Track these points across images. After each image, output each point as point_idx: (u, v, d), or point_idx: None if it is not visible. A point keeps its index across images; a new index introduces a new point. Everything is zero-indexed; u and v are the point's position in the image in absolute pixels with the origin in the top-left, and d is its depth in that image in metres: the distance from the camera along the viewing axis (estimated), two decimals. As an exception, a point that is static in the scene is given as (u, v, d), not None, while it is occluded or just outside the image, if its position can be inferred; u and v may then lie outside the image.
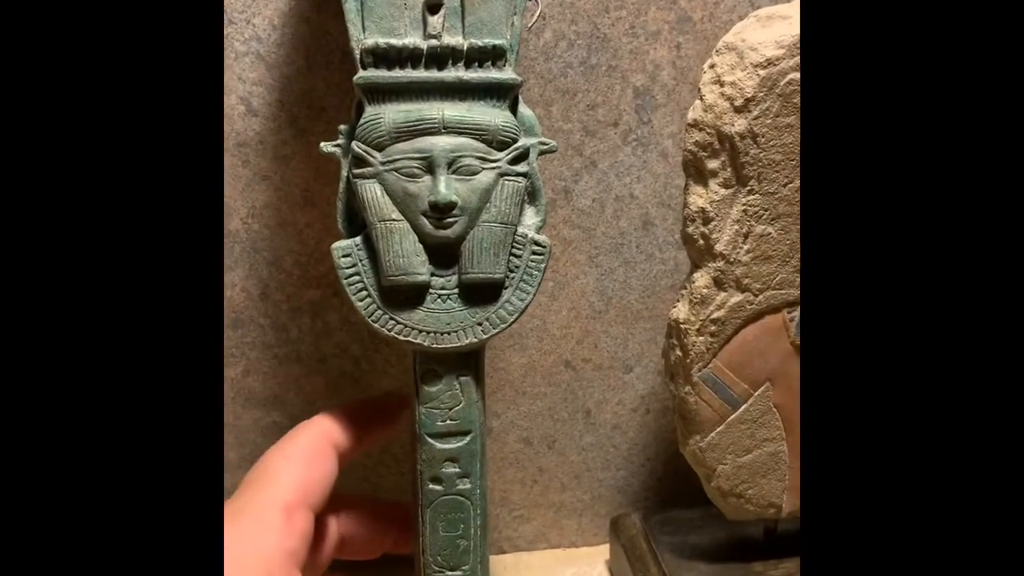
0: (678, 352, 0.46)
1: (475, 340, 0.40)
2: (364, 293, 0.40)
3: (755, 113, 0.41)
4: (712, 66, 0.42)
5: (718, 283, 0.44)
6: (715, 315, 0.44)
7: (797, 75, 0.41)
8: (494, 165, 0.39)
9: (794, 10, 0.42)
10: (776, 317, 0.45)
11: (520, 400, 0.57)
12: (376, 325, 0.40)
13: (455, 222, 0.39)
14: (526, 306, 0.41)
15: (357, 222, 0.40)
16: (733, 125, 0.42)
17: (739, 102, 0.41)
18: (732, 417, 0.46)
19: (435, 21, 0.38)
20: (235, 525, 0.36)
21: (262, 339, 0.53)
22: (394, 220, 0.39)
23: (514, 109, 0.40)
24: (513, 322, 0.41)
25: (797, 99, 0.41)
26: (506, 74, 0.39)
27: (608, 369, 0.57)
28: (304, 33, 0.47)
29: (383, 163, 0.38)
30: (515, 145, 0.39)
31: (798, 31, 0.41)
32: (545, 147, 0.41)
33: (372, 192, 0.38)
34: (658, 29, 0.50)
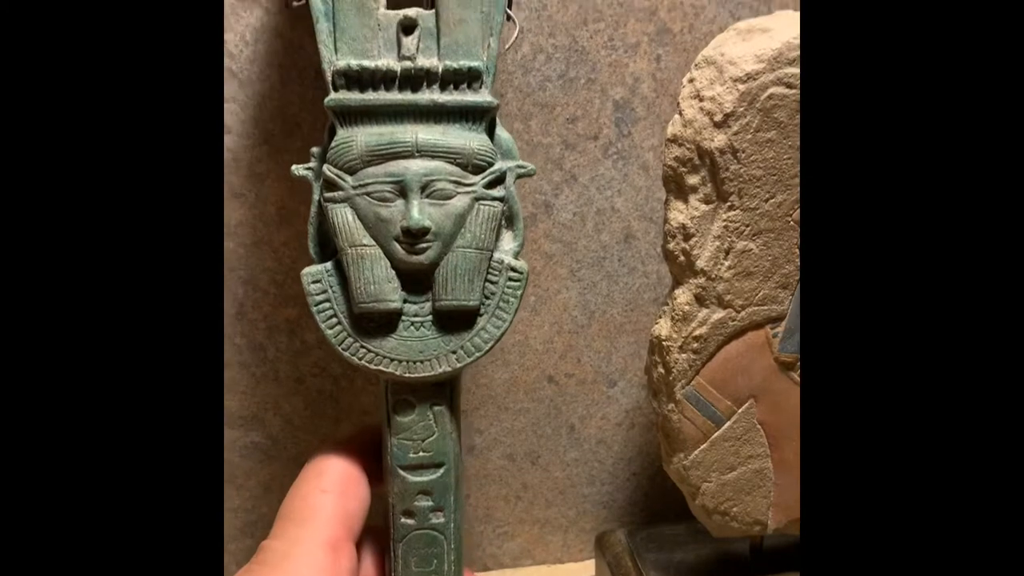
0: (660, 369, 0.45)
1: (449, 369, 0.39)
2: (334, 320, 0.38)
3: (735, 128, 0.41)
4: (691, 80, 0.42)
5: (700, 300, 0.43)
6: (697, 332, 0.43)
7: (777, 89, 0.40)
8: (469, 189, 0.38)
9: (775, 23, 0.41)
10: (759, 333, 0.44)
11: (503, 416, 0.56)
12: (346, 353, 0.38)
13: (428, 247, 0.37)
14: (502, 334, 0.40)
15: (329, 247, 0.39)
16: (713, 140, 0.41)
17: (719, 117, 0.41)
18: (716, 434, 0.45)
19: (409, 42, 0.37)
20: (284, 569, 0.35)
21: (238, 358, 0.52)
22: (365, 246, 0.37)
23: (491, 132, 0.39)
24: (488, 350, 0.39)
25: (777, 114, 0.41)
26: (482, 96, 0.38)
27: (592, 383, 0.56)
28: (278, 48, 0.46)
29: (355, 187, 0.37)
30: (491, 169, 0.38)
31: (778, 44, 0.40)
32: (523, 171, 0.40)
33: (343, 217, 0.37)
34: (637, 41, 0.49)
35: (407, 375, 0.39)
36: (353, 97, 0.37)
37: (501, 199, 0.39)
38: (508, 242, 0.40)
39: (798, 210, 0.42)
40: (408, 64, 0.37)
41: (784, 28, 0.41)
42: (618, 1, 0.48)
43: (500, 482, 0.58)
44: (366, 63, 0.37)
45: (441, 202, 0.37)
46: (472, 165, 0.38)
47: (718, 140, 0.41)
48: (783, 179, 0.42)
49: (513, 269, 0.39)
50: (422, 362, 0.39)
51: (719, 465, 0.46)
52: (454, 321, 0.39)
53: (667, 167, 0.43)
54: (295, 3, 0.38)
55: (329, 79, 0.37)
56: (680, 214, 0.43)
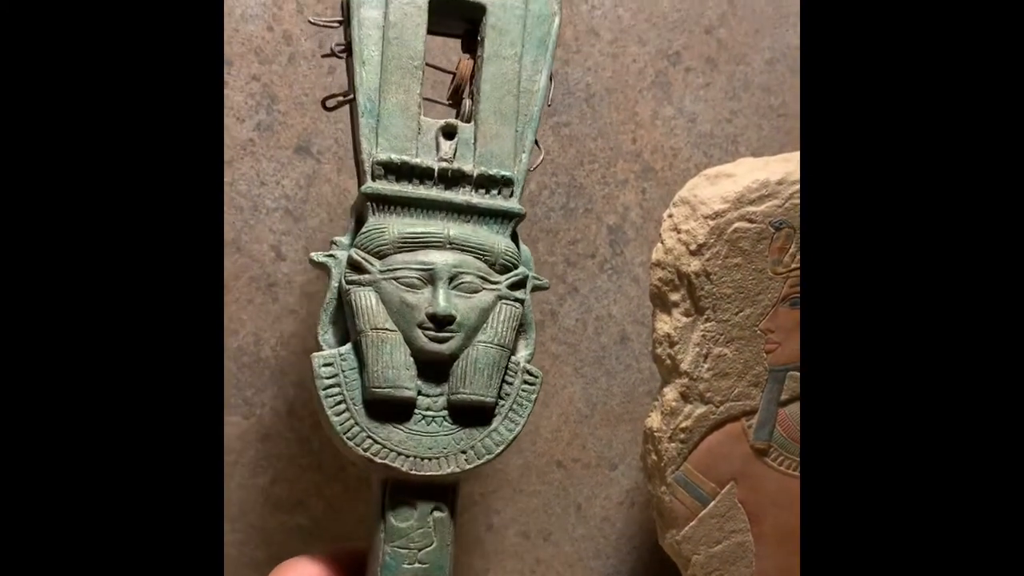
0: (653, 457, 0.52)
1: (457, 470, 0.37)
2: (342, 407, 0.37)
3: (707, 256, 0.48)
4: (670, 216, 0.50)
5: (685, 397, 0.50)
6: (683, 424, 0.50)
7: (741, 224, 0.48)
8: (494, 287, 0.38)
9: (737, 169, 0.50)
10: (736, 425, 0.51)
11: (518, 497, 0.62)
12: (351, 443, 0.36)
13: (451, 337, 0.37)
14: (514, 438, 0.38)
15: (340, 334, 0.38)
16: (689, 265, 0.49)
17: (693, 247, 0.48)
18: (703, 513, 0.51)
19: (448, 147, 0.39)
20: None
21: (288, 451, 0.59)
22: (387, 330, 0.37)
23: (515, 241, 0.40)
24: (500, 453, 0.38)
25: (742, 244, 0.48)
26: (512, 203, 0.40)
27: (595, 467, 0.63)
28: (327, 192, 0.54)
29: (382, 271, 0.37)
30: (516, 271, 0.39)
31: (740, 188, 0.48)
32: (538, 283, 0.41)
33: (367, 300, 0.37)
34: (626, 178, 0.58)
35: (413, 472, 0.36)
36: (391, 187, 0.38)
37: (522, 301, 0.39)
38: (521, 349, 0.40)
39: (764, 320, 0.50)
40: (446, 164, 0.39)
41: (745, 174, 0.49)
42: (609, 146, 0.57)
43: (516, 557, 0.64)
44: (407, 158, 0.38)
45: (467, 295, 0.38)
46: (499, 264, 0.39)
47: (694, 265, 0.49)
48: (749, 296, 0.49)
49: (529, 372, 0.39)
50: (430, 459, 0.37)
51: (706, 539, 0.52)
52: (468, 417, 0.38)
53: (652, 286, 0.50)
54: (342, 99, 0.40)
55: (368, 169, 0.38)
56: (665, 325, 0.50)
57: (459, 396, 0.37)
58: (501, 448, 0.38)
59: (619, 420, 0.62)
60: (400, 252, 0.37)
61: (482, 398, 0.37)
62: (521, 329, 0.40)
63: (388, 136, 0.38)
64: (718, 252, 0.48)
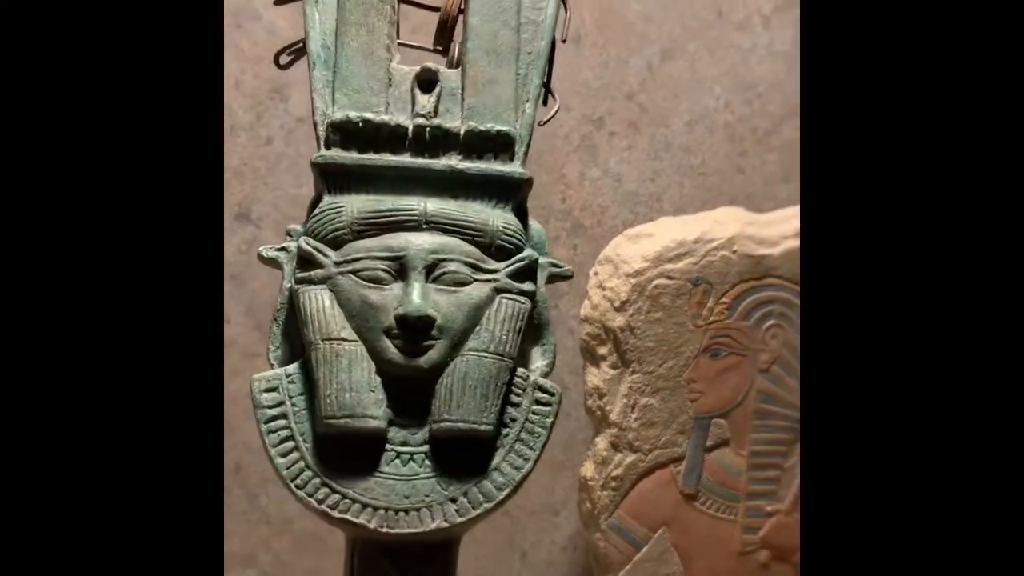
0: (588, 504, 0.53)
1: (445, 524, 0.28)
2: (290, 445, 0.28)
3: (630, 311, 0.50)
4: (596, 274, 0.52)
5: (615, 446, 0.52)
6: (615, 473, 0.52)
7: (661, 281, 0.50)
8: (489, 277, 0.30)
9: (657, 228, 0.52)
10: (665, 471, 0.52)
11: (466, 546, 0.63)
12: (302, 492, 0.28)
13: (431, 347, 0.29)
14: (523, 478, 0.29)
15: (296, 350, 0.30)
16: (615, 320, 0.50)
17: (617, 303, 0.50)
18: (637, 557, 0.52)
19: (426, 101, 0.31)
20: None
21: (237, 506, 0.59)
22: (344, 340, 0.28)
23: (521, 217, 0.32)
24: (503, 500, 0.29)
25: (662, 299, 0.50)
26: (512, 168, 0.31)
27: (540, 514, 0.64)
28: (268, 256, 0.56)
29: (338, 264, 0.29)
30: (520, 255, 0.30)
31: (659, 247, 0.50)
32: (558, 270, 0.32)
33: (318, 302, 0.29)
34: (557, 235, 0.60)
35: (384, 529, 0.28)
36: (350, 156, 0.29)
37: (530, 295, 0.30)
38: (536, 359, 0.31)
39: (687, 371, 0.51)
40: (423, 122, 0.30)
41: (664, 232, 0.51)
42: (541, 205, 0.59)
43: (465, 604, 0.64)
44: (370, 116, 0.30)
45: (452, 289, 0.29)
46: (495, 247, 0.30)
47: (619, 320, 0.50)
48: (672, 348, 0.51)
49: (542, 389, 0.30)
50: (408, 512, 0.28)
51: (641, 583, 0.53)
52: (457, 454, 0.29)
53: (582, 340, 0.52)
54: (289, 55, 0.33)
55: (321, 134, 0.30)
56: (595, 377, 0.52)
57: (444, 425, 0.29)
58: (505, 492, 0.29)
59: (560, 467, 0.63)
60: (361, 237, 0.29)
61: (475, 426, 0.29)
62: (535, 333, 0.31)
63: (347, 90, 0.30)
64: (640, 308, 0.50)
